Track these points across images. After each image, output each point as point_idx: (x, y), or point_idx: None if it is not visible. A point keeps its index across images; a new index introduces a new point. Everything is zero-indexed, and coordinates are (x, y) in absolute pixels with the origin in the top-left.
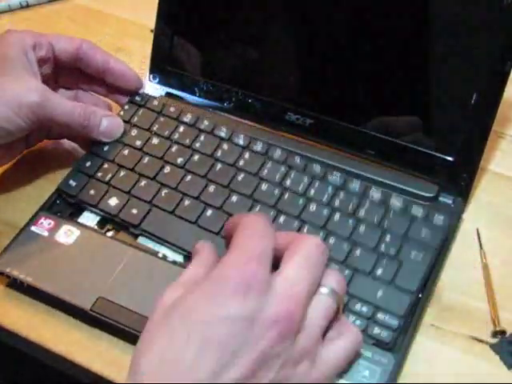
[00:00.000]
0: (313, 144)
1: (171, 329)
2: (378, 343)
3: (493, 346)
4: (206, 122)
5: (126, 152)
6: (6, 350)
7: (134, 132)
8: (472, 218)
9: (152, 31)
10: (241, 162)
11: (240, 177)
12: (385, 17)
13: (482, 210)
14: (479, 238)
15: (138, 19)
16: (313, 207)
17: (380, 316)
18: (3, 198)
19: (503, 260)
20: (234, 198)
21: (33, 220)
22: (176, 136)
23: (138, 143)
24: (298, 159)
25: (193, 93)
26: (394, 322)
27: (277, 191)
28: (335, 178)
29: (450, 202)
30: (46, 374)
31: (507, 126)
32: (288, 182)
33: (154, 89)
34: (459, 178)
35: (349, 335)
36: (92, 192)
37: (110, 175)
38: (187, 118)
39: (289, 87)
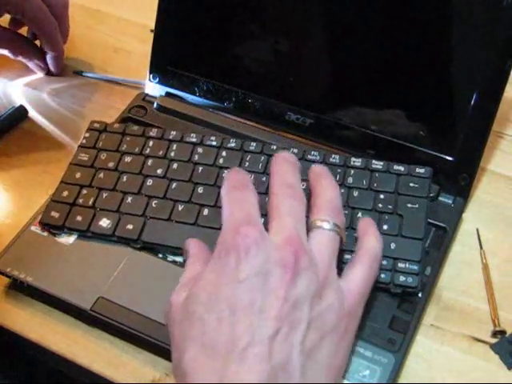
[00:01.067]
0: (313, 144)
1: (197, 318)
2: (407, 290)
3: (493, 346)
4: (173, 133)
5: (101, 175)
6: (6, 349)
7: (103, 156)
8: (472, 218)
9: (152, 31)
10: (220, 161)
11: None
12: (384, 17)
13: (482, 210)
14: (479, 238)
15: (138, 19)
16: None
17: (401, 265)
18: (3, 198)
19: (503, 260)
20: None
21: (33, 220)
22: (147, 150)
23: (111, 164)
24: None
25: (193, 93)
26: (415, 267)
27: None
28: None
29: (450, 201)
30: (46, 373)
31: (507, 126)
32: None
33: (154, 89)
34: (459, 178)
35: (360, 261)
36: (79, 218)
37: (92, 199)
38: (153, 132)
39: (289, 87)
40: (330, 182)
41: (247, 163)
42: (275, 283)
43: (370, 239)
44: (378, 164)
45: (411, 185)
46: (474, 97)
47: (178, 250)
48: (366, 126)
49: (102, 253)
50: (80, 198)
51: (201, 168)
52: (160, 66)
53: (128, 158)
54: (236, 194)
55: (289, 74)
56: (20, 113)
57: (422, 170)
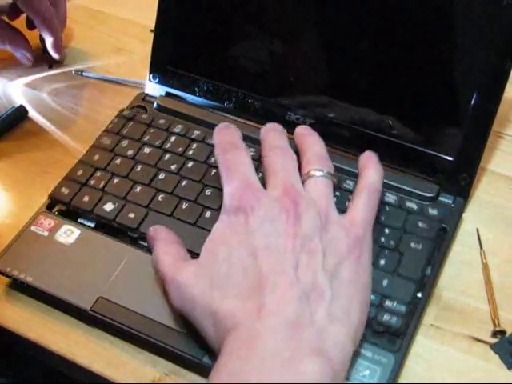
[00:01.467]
0: None
1: (223, 274)
2: (389, 330)
3: (493, 346)
4: (197, 132)
5: (118, 161)
6: (6, 349)
7: (124, 143)
8: (472, 218)
9: (152, 31)
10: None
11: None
12: (383, 18)
13: (482, 210)
14: (479, 238)
15: (138, 19)
16: None
17: (388, 303)
18: (3, 198)
19: (503, 260)
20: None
21: (33, 220)
22: (168, 145)
23: (130, 153)
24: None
25: (193, 93)
26: (402, 308)
27: None
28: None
29: (450, 201)
30: (46, 373)
31: (507, 126)
32: None
33: (154, 89)
34: (459, 178)
35: (359, 194)
36: (86, 199)
37: (103, 182)
38: (177, 128)
39: (289, 87)
40: (315, 138)
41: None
42: (282, 226)
43: (369, 172)
44: (391, 198)
45: (420, 225)
46: (474, 97)
47: None
48: (366, 127)
49: (102, 253)
50: (92, 180)
51: (214, 171)
52: (160, 66)
53: (147, 150)
54: (229, 157)
55: (289, 74)
56: (20, 113)
57: (434, 212)
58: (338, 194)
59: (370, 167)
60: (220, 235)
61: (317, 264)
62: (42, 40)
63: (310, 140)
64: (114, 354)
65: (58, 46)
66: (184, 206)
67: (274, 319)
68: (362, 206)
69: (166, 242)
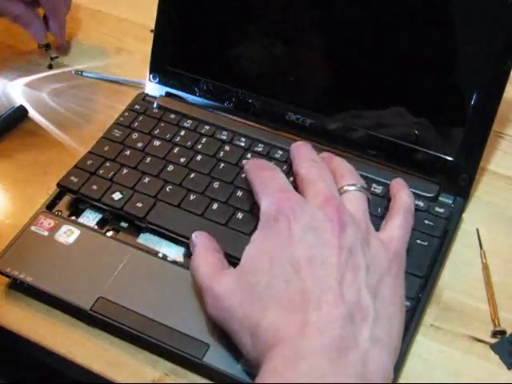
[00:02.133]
0: (313, 144)
1: (264, 286)
2: None
3: (493, 346)
4: (206, 127)
5: (127, 152)
6: (5, 349)
7: (134, 135)
8: (472, 218)
9: (152, 31)
10: (243, 162)
11: (243, 174)
12: (383, 18)
13: (482, 210)
14: (479, 238)
15: (138, 19)
16: None
17: None
18: (3, 198)
19: (503, 260)
20: (240, 193)
21: (33, 220)
22: (177, 139)
23: (140, 145)
24: None
25: (193, 93)
26: (407, 304)
27: None
28: None
29: (450, 201)
30: (46, 373)
31: (507, 125)
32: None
33: (154, 89)
34: (459, 178)
35: (395, 214)
36: (94, 187)
37: (112, 172)
38: (187, 123)
39: (289, 87)
40: (342, 160)
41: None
42: (327, 236)
43: (403, 195)
44: None
45: (426, 222)
46: (474, 97)
47: (179, 237)
48: (365, 126)
49: (102, 253)
50: (101, 169)
51: (222, 165)
52: (160, 66)
53: (157, 142)
54: (266, 173)
55: (289, 74)
56: (20, 113)
57: (441, 210)
58: None
59: (403, 190)
60: (260, 244)
61: (361, 281)
62: (46, 20)
63: (338, 159)
64: (114, 354)
65: (62, 31)
66: (192, 197)
67: (319, 339)
68: (399, 225)
69: (205, 249)
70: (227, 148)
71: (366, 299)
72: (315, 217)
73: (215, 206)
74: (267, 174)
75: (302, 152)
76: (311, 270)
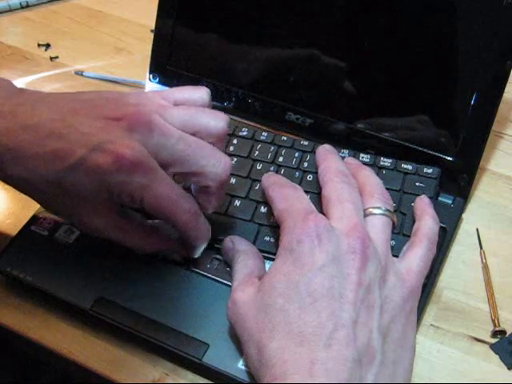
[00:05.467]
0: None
1: (278, 309)
2: None
3: (493, 346)
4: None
5: None
6: (5, 349)
7: None
8: (472, 218)
9: (152, 31)
10: (255, 153)
11: (259, 166)
12: (383, 18)
13: (482, 210)
14: (479, 238)
15: (138, 19)
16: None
17: None
18: (3, 198)
19: (503, 260)
20: (257, 186)
21: (33, 220)
22: None
23: None
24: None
25: None
26: None
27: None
28: None
29: (450, 201)
30: (46, 373)
31: (507, 126)
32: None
33: (153, 89)
34: (459, 178)
35: (419, 243)
36: None
37: None
38: None
39: (289, 87)
40: (370, 171)
41: (281, 157)
42: (348, 269)
43: (428, 221)
44: (386, 161)
45: (417, 184)
46: (474, 97)
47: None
48: (365, 126)
49: (102, 253)
50: None
51: (235, 159)
52: (160, 66)
53: None
54: (288, 190)
55: (289, 74)
56: None
57: (429, 171)
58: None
59: (430, 215)
60: (281, 266)
61: (373, 322)
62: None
63: (366, 172)
64: (113, 354)
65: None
66: None
67: (327, 380)
68: (420, 258)
69: (244, 256)
70: (234, 141)
71: (375, 342)
72: (339, 246)
73: (237, 202)
74: (290, 192)
75: (331, 162)
76: (328, 302)
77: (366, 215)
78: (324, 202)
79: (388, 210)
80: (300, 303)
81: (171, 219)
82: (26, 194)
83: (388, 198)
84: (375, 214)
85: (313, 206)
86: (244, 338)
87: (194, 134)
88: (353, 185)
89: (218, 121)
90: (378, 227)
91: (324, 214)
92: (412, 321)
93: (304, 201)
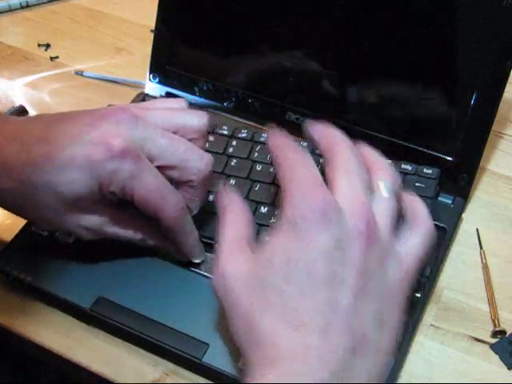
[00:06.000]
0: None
1: (275, 288)
2: None
3: (493, 346)
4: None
5: None
6: (5, 349)
7: None
8: (472, 218)
9: (152, 31)
10: (255, 155)
11: (258, 167)
12: (383, 18)
13: (482, 210)
14: (479, 238)
15: (138, 19)
16: None
17: None
18: None
19: (503, 260)
20: (257, 187)
21: None
22: None
23: None
24: None
25: (193, 93)
26: None
27: None
28: None
29: (450, 201)
30: (46, 373)
31: (507, 126)
32: None
33: (153, 89)
34: (459, 178)
35: (420, 230)
36: None
37: None
38: None
39: (289, 87)
40: (375, 152)
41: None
42: (351, 253)
43: (422, 204)
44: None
45: (417, 185)
46: (474, 97)
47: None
48: (365, 126)
49: (102, 253)
50: None
51: (234, 160)
52: (160, 66)
53: None
54: (296, 156)
55: (289, 74)
56: (20, 113)
57: (429, 171)
58: None
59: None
60: (281, 240)
61: (370, 312)
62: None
63: (371, 150)
64: (113, 354)
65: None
66: (210, 198)
67: (320, 368)
68: (420, 242)
69: (237, 215)
70: (234, 143)
71: (369, 332)
72: (345, 227)
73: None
74: (297, 157)
75: (335, 132)
76: (328, 288)
77: (373, 190)
78: (328, 169)
79: (394, 191)
80: (299, 286)
81: (159, 214)
82: (19, 214)
83: (397, 176)
84: (382, 195)
85: (321, 177)
86: (232, 313)
87: (175, 133)
88: (361, 160)
89: (198, 118)
90: (384, 205)
91: (325, 182)
92: (401, 304)
93: (313, 169)
